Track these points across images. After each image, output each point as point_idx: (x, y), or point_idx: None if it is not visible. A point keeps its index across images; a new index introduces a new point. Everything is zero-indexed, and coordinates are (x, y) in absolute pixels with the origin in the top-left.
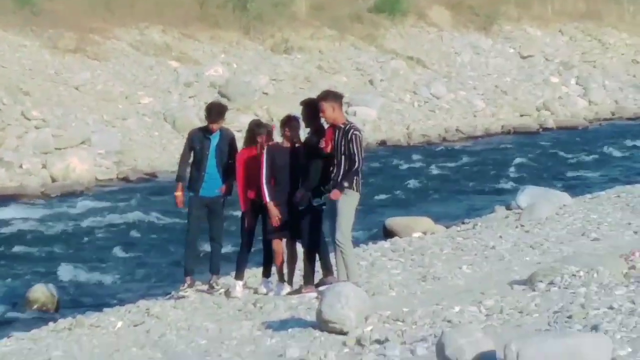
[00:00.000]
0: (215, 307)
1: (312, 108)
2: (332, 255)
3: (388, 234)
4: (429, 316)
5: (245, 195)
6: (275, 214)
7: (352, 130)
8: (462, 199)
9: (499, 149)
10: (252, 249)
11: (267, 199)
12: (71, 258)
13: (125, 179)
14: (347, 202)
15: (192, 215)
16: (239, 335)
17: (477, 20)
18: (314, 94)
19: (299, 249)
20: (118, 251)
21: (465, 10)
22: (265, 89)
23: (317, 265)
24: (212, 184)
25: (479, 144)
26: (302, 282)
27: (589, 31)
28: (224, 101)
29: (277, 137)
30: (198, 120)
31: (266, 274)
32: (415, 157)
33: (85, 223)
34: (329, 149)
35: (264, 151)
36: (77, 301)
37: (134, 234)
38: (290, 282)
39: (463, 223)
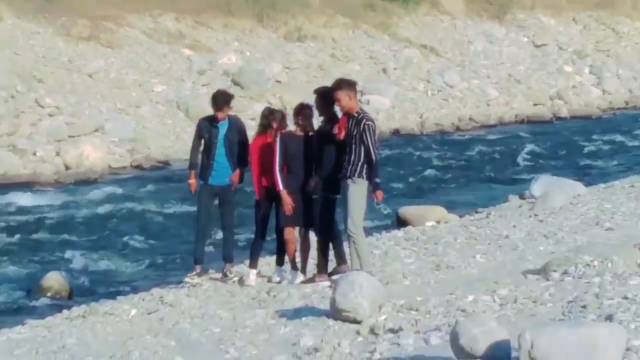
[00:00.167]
0: (228, 295)
1: (325, 96)
2: (345, 244)
3: (401, 223)
4: (443, 305)
5: (260, 183)
6: (288, 202)
7: (364, 120)
8: (476, 188)
9: (512, 138)
10: (267, 238)
11: (280, 186)
12: (85, 246)
13: (139, 167)
14: (359, 191)
15: (201, 204)
16: (253, 323)
17: (490, 8)
18: (327, 83)
19: (313, 237)
20: (132, 239)
21: None
22: (278, 77)
23: (331, 254)
24: (221, 173)
25: (493, 133)
26: (315, 271)
27: (603, 20)
28: (237, 89)
29: (291, 125)
30: (211, 108)
31: (280, 262)
32: (428, 146)
33: (98, 211)
34: (342, 136)
35: (277, 139)
36: (91, 289)
37: (148, 221)
38: (303, 271)
39: (476, 212)
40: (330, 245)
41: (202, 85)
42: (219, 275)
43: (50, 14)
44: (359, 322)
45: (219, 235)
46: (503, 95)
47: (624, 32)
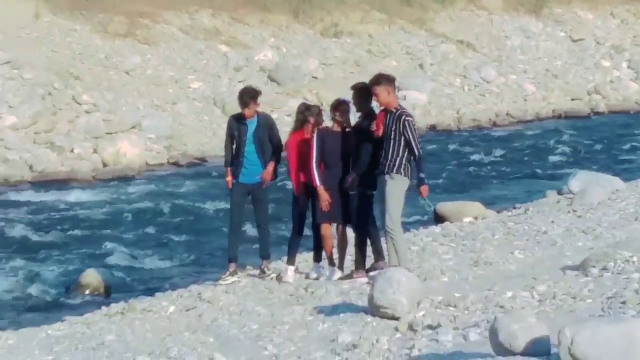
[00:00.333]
0: (266, 291)
1: (363, 92)
2: (382, 240)
3: (439, 219)
4: (481, 301)
5: (298, 179)
6: (325, 198)
7: (404, 116)
8: (513, 183)
9: (549, 133)
10: (304, 234)
11: (317, 182)
12: (122, 242)
13: (176, 164)
14: (397, 187)
15: (233, 202)
16: (291, 320)
17: (527, 3)
18: (363, 78)
19: (350, 233)
20: (169, 236)
21: None
22: (314, 73)
23: (369, 250)
24: (252, 170)
25: (530, 128)
26: (353, 267)
27: None
28: (273, 85)
29: (327, 121)
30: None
31: (317, 258)
32: (465, 141)
33: (135, 207)
34: (380, 132)
35: (314, 135)
36: (129, 285)
37: (185, 218)
38: (341, 267)
39: (514, 208)
40: (368, 241)
41: (239, 82)
42: (257, 272)
43: (87, 10)
44: (397, 319)
45: (254, 232)
46: (540, 91)
47: None
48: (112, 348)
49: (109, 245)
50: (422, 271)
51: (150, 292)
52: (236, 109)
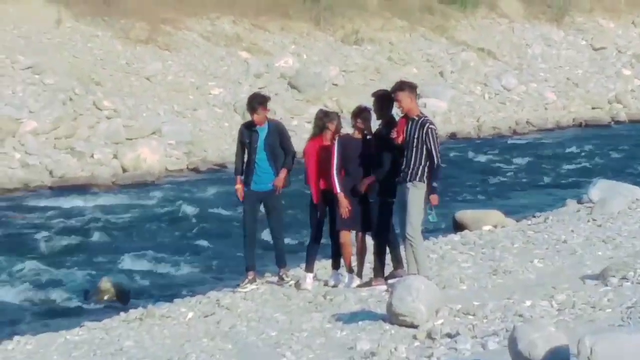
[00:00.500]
0: (285, 298)
1: (384, 99)
2: (401, 248)
3: (458, 227)
4: (500, 310)
5: (317, 186)
6: (345, 204)
7: (427, 124)
8: (533, 192)
9: (570, 142)
10: (322, 241)
11: (338, 189)
12: (141, 248)
13: (196, 170)
14: (418, 196)
15: (246, 211)
16: (310, 327)
17: (548, 11)
18: (384, 86)
19: (369, 241)
20: (188, 242)
21: (537, 1)
22: (335, 80)
23: (387, 258)
24: (264, 178)
25: (550, 136)
26: (372, 275)
27: None
28: (293, 92)
29: (347, 127)
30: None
31: (335, 266)
32: (485, 149)
33: (155, 213)
34: (400, 140)
35: (335, 142)
36: (148, 291)
37: (204, 224)
38: (360, 275)
39: (534, 217)
40: (387, 249)
41: (259, 88)
42: (275, 279)
43: (108, 17)
44: (415, 327)
45: (270, 238)
46: (561, 99)
47: None
48: (130, 354)
49: (127, 251)
50: (441, 279)
51: (168, 298)
52: None
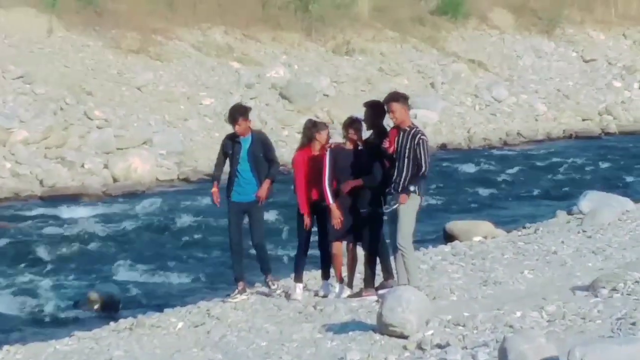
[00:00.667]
0: (275, 309)
1: (376, 110)
2: (392, 259)
3: (448, 237)
4: (491, 321)
5: (307, 197)
6: (337, 215)
7: (419, 135)
8: (523, 203)
9: (560, 154)
10: (309, 251)
11: (330, 200)
12: (132, 258)
13: (186, 180)
14: (409, 206)
15: (231, 222)
16: (300, 337)
17: (539, 23)
18: (375, 96)
19: (359, 251)
20: (179, 252)
21: (528, 13)
22: (326, 90)
23: (378, 268)
24: (248, 189)
25: (541, 148)
26: (362, 285)
27: None
28: (284, 103)
29: (338, 137)
30: (259, 121)
31: (325, 276)
32: (476, 160)
33: (146, 223)
34: (391, 150)
35: (327, 152)
36: (138, 301)
37: (195, 234)
38: (350, 285)
39: (524, 228)
40: (377, 259)
41: (250, 99)
42: (265, 289)
43: (100, 26)
44: (406, 337)
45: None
46: (551, 110)
47: None
48: None
49: (118, 260)
50: (432, 290)
51: (159, 308)
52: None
